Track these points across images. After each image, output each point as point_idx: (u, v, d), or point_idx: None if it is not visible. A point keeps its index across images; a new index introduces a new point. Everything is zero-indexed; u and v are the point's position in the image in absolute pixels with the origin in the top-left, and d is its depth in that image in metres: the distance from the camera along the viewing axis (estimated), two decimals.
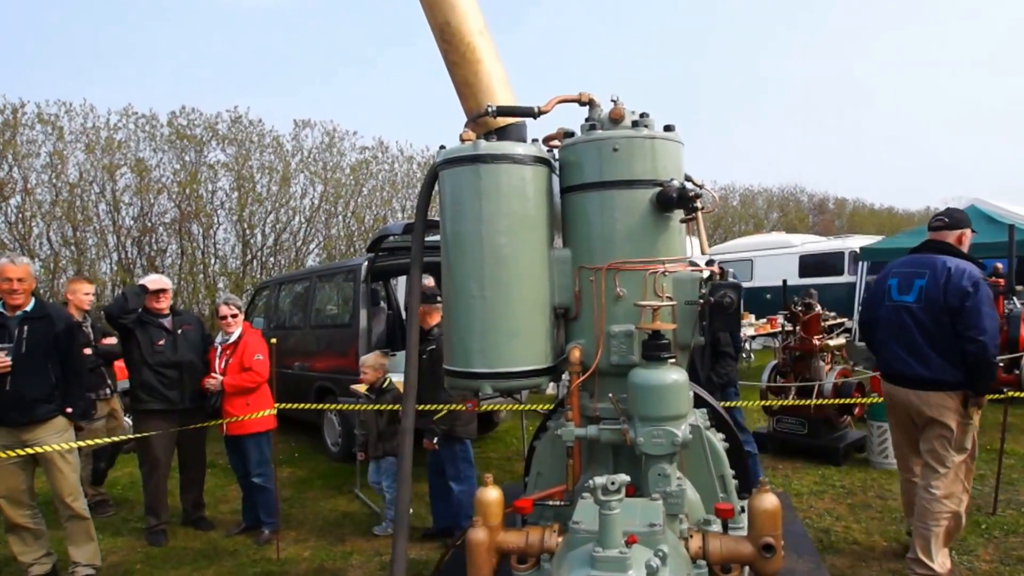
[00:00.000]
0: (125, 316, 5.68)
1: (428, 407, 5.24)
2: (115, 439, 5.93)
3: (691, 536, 2.92)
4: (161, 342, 5.80)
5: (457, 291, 3.16)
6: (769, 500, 2.86)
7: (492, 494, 3.09)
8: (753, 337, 13.11)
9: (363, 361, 6.09)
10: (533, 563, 2.98)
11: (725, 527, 3.03)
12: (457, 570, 3.38)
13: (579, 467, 3.31)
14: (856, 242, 16.79)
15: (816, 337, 7.37)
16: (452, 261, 3.17)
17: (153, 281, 5.91)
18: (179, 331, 5.92)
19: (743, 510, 3.14)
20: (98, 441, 5.99)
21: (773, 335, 12.66)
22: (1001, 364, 9.20)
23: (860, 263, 14.87)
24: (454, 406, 5.26)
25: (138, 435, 5.74)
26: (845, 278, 16.06)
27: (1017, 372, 9.12)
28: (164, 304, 5.92)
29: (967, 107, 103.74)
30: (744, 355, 14.14)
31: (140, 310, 5.78)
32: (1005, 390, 5.59)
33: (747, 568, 2.96)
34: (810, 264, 17.18)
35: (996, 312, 4.29)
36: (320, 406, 5.74)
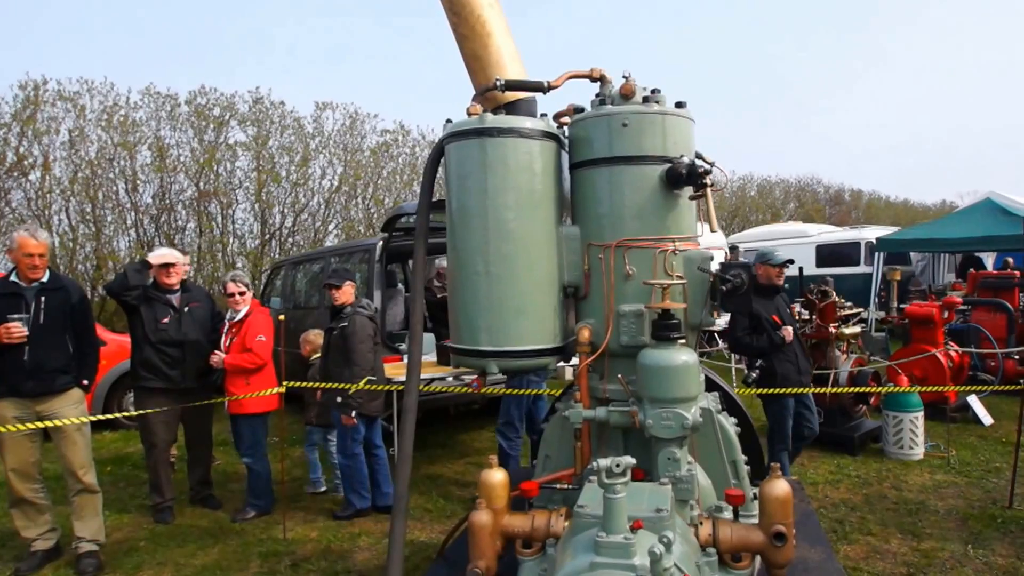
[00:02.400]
0: (126, 293, 5.55)
1: (339, 384, 5.52)
2: (131, 412, 5.84)
3: (701, 523, 2.84)
4: (166, 320, 5.68)
5: (462, 267, 3.09)
6: (781, 487, 2.78)
7: (497, 476, 3.01)
8: None
9: (304, 336, 6.66)
10: (538, 548, 2.91)
11: (736, 514, 2.95)
12: (461, 553, 3.33)
13: (588, 450, 3.24)
14: (872, 233, 16.63)
15: (832, 325, 7.25)
16: (457, 236, 3.11)
17: (158, 256, 5.75)
18: (186, 308, 5.79)
19: (755, 497, 3.07)
20: (100, 416, 5.93)
21: None
22: (1016, 356, 9.08)
23: (876, 254, 14.72)
24: (358, 385, 5.45)
25: (117, 412, 5.66)
26: (861, 268, 15.90)
27: None
28: (174, 279, 5.76)
29: (983, 100, 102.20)
30: None
31: (145, 286, 5.65)
32: (1022, 381, 5.44)
33: (758, 557, 2.88)
34: (826, 254, 17.01)
35: None
36: (328, 385, 5.66)
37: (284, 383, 5.60)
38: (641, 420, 2.94)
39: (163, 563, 5.01)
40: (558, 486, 3.23)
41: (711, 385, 3.76)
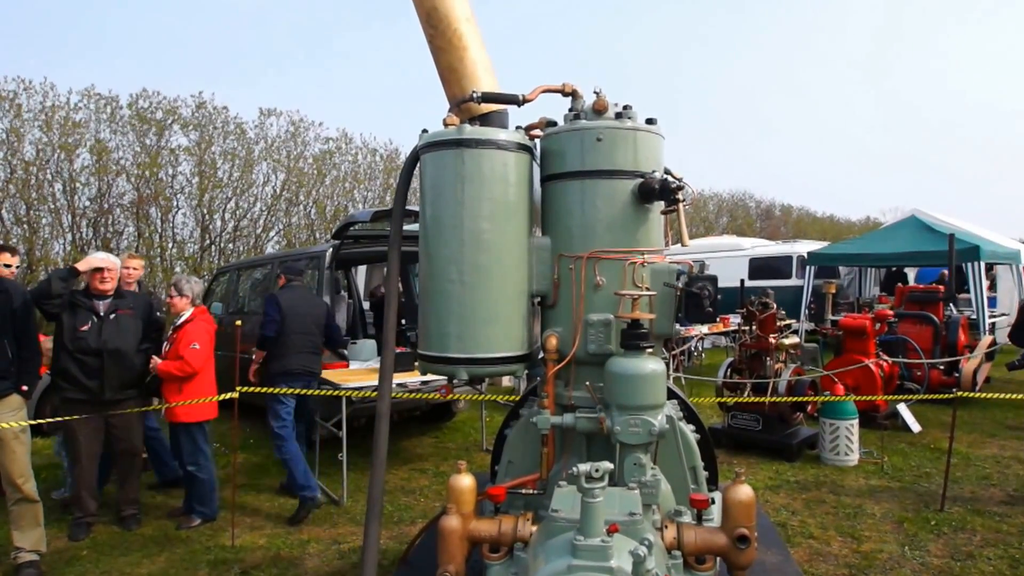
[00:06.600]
0: (46, 302, 5.23)
1: None
2: (59, 419, 5.58)
3: (666, 527, 2.93)
4: (85, 327, 5.37)
5: (435, 276, 3.12)
6: (744, 492, 2.90)
7: (465, 481, 3.06)
8: (704, 336, 13.30)
9: None
10: (506, 552, 2.96)
11: (699, 518, 3.05)
12: (426, 558, 3.35)
13: (553, 456, 3.30)
14: (803, 247, 17.21)
15: (771, 336, 7.50)
16: (431, 245, 3.13)
17: (88, 261, 5.47)
18: (111, 316, 5.47)
19: (713, 502, 3.18)
20: (47, 420, 5.70)
21: (725, 334, 12.89)
22: (941, 367, 9.56)
23: (807, 267, 15.26)
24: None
25: (36, 420, 5.38)
26: (793, 281, 16.41)
27: (957, 375, 9.41)
28: (108, 285, 5.48)
29: (906, 122, 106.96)
30: (695, 354, 14.35)
31: (73, 291, 5.40)
32: (954, 390, 5.75)
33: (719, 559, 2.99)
34: (759, 267, 17.51)
35: None
36: (273, 390, 5.59)
37: (237, 388, 5.50)
38: (609, 426, 3.01)
39: (107, 572, 4.87)
40: (524, 491, 3.28)
41: (670, 394, 3.86)
